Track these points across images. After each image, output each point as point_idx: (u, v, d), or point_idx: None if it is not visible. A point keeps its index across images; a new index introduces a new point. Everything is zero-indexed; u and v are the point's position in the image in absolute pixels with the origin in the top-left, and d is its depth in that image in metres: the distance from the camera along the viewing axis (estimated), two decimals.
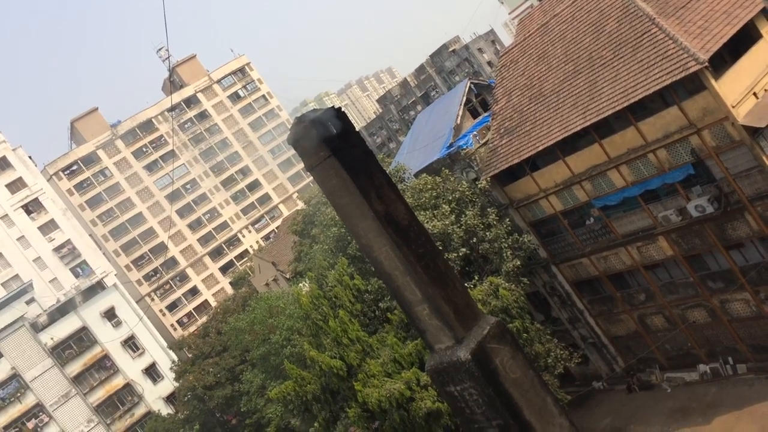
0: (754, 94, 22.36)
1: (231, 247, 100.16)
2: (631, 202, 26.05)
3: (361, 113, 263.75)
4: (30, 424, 58.53)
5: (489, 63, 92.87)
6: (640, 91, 22.79)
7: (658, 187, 25.04)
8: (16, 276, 72.29)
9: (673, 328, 27.92)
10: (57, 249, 76.21)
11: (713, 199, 23.67)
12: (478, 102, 38.68)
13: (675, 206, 24.98)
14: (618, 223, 27.08)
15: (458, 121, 35.84)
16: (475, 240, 28.40)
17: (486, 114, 35.67)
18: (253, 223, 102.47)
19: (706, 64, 21.09)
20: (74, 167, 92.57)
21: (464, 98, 37.69)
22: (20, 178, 76.85)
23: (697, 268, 26.11)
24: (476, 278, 27.85)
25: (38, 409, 59.23)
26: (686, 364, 28.50)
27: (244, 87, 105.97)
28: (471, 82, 39.67)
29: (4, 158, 76.82)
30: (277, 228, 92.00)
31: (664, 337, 28.39)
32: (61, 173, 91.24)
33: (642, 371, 30.05)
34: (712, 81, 21.63)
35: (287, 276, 52.13)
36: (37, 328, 60.98)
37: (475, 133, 33.02)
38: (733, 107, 21.73)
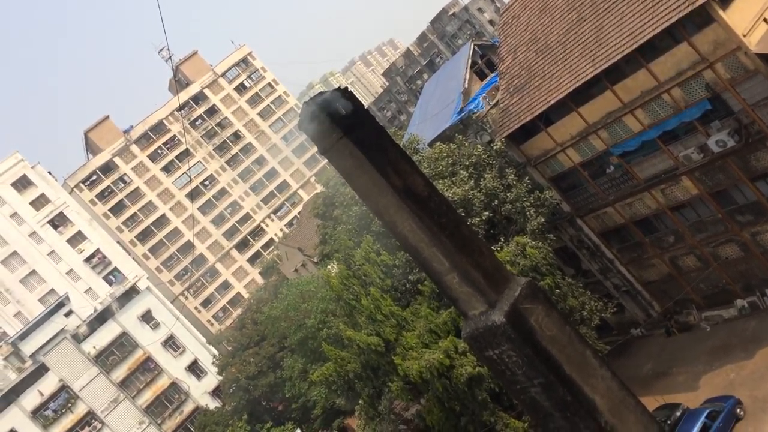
0: (765, 20, 21.80)
1: (256, 238, 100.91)
2: (650, 145, 25.70)
3: (368, 89, 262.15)
4: None
5: (491, 22, 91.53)
6: (647, 31, 22.34)
7: (676, 127, 24.66)
8: (52, 290, 73.73)
9: (706, 267, 27.68)
10: (88, 259, 77.50)
11: (733, 132, 23.26)
12: (484, 63, 38.25)
13: (695, 144, 24.61)
14: (639, 168, 26.76)
15: (466, 85, 35.52)
16: (496, 202, 28.29)
17: (493, 74, 35.26)
18: (274, 212, 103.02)
19: None
20: (94, 177, 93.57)
21: (469, 61, 37.29)
22: (43, 195, 77.98)
23: (724, 203, 25.77)
24: (502, 240, 27.79)
25: (90, 417, 60.73)
26: (723, 300, 28.28)
27: (249, 77, 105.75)
28: (474, 44, 39.22)
29: (24, 177, 77.90)
30: (298, 213, 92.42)
31: (698, 277, 28.17)
32: (81, 185, 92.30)
33: (679, 313, 29.90)
34: (720, 12, 21.11)
35: (315, 260, 52.47)
36: (78, 338, 62.27)
37: (484, 95, 32.71)
38: (744, 36, 21.22)
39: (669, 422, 23.78)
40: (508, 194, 28.25)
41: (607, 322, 31.20)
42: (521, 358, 7.98)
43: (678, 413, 24.18)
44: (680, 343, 29.18)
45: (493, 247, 26.23)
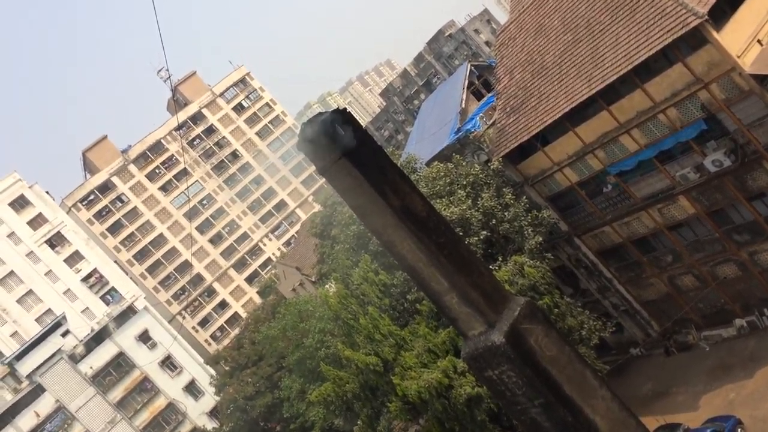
0: (758, 41, 22.08)
1: (254, 257, 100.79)
2: (647, 164, 25.86)
3: (366, 109, 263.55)
4: None
5: (487, 43, 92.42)
6: (642, 53, 22.60)
7: (673, 147, 24.84)
8: (49, 310, 73.43)
9: (704, 287, 27.71)
10: (85, 279, 77.26)
11: (729, 152, 23.43)
12: (481, 83, 38.55)
13: (692, 164, 24.76)
14: (636, 188, 26.89)
15: (463, 105, 35.76)
16: (494, 221, 28.36)
17: (490, 94, 35.53)
18: (272, 231, 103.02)
19: (706, 17, 20.86)
20: (91, 197, 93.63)
21: (466, 81, 37.59)
22: (40, 214, 77.98)
23: (721, 222, 25.88)
24: (500, 259, 27.82)
25: None
26: (722, 320, 28.27)
27: (247, 97, 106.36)
28: (471, 65, 39.56)
29: (22, 197, 77.95)
30: (296, 233, 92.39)
31: (696, 296, 28.19)
32: (79, 204, 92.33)
33: (678, 333, 29.87)
34: (714, 33, 21.39)
35: (312, 279, 52.38)
36: (75, 359, 61.92)
37: (481, 115, 32.93)
38: (738, 57, 21.48)
39: None
40: (506, 213, 28.32)
41: (606, 341, 31.15)
42: (521, 378, 7.96)
43: None
44: (679, 362, 29.10)
45: (491, 267, 26.25)
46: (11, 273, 74.36)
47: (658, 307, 30.05)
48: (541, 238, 27.90)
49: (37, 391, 59.98)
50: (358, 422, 27.58)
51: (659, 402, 27.54)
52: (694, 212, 25.99)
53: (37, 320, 72.64)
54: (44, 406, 59.41)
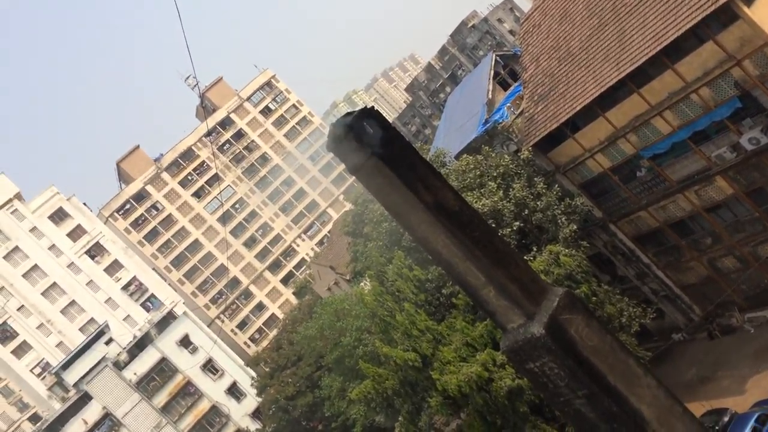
0: None
1: (288, 258, 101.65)
2: (681, 146, 25.35)
3: (392, 105, 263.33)
4: None
5: (511, 32, 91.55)
6: (671, 33, 22.14)
7: (707, 127, 24.30)
8: (92, 320, 75.19)
9: (746, 267, 27.09)
10: (125, 287, 78.92)
11: (766, 129, 22.85)
12: (507, 73, 38.20)
13: (727, 143, 24.21)
14: (671, 170, 26.40)
15: (490, 96, 35.49)
16: (526, 212, 28.11)
17: (516, 84, 35.21)
18: (305, 231, 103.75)
19: None
20: (127, 206, 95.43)
21: (492, 72, 37.28)
22: (79, 226, 79.83)
23: (760, 201, 25.26)
24: (535, 249, 27.58)
25: None
26: (766, 301, 27.61)
27: (274, 99, 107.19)
28: (496, 55, 39.22)
29: (60, 209, 79.87)
30: (329, 232, 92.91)
31: (738, 278, 27.58)
32: (116, 214, 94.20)
33: (721, 316, 29.26)
34: (745, 9, 20.84)
35: (347, 278, 52.61)
36: (119, 366, 63.27)
37: (508, 104, 32.66)
38: None
39: (717, 428, 23.23)
40: (538, 203, 28.06)
41: (647, 328, 30.64)
42: (563, 369, 7.89)
43: (726, 418, 23.59)
44: (724, 346, 28.52)
45: (526, 257, 26.05)
46: (54, 284, 76.28)
47: (699, 290, 29.47)
48: (575, 226, 27.57)
49: (85, 399, 61.49)
50: (399, 418, 27.64)
51: (704, 387, 27.05)
52: (732, 192, 25.41)
53: (80, 330, 74.47)
54: (92, 413, 60.87)
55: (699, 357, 29.23)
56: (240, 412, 65.88)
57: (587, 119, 27.00)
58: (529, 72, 30.48)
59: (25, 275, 75.71)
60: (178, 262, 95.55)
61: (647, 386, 8.25)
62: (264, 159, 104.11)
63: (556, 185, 28.80)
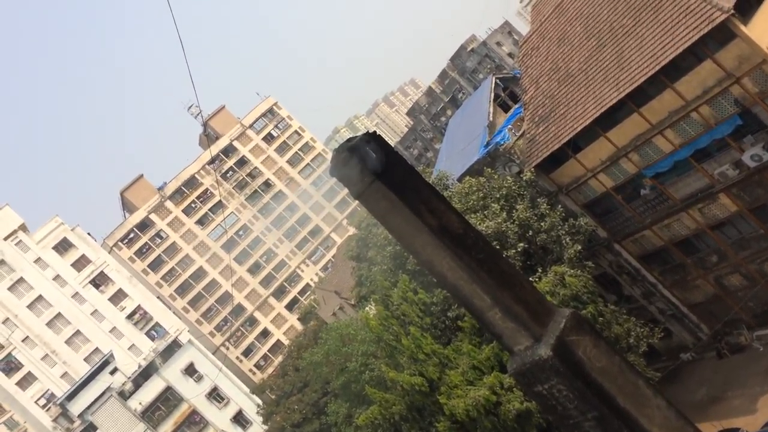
0: None
1: (292, 284, 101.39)
2: (683, 164, 25.40)
3: (393, 129, 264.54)
4: None
5: (510, 55, 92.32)
6: (669, 53, 22.32)
7: (708, 145, 24.37)
8: (97, 349, 74.82)
9: (753, 285, 26.94)
10: (129, 316, 78.69)
11: (767, 145, 22.91)
12: (507, 95, 38.46)
13: (729, 160, 24.25)
14: (674, 189, 26.41)
15: (491, 118, 35.70)
16: (531, 233, 28.08)
17: (517, 106, 35.42)
18: (309, 257, 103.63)
19: (732, 11, 20.53)
20: (131, 235, 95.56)
21: (492, 94, 37.55)
22: (83, 256, 79.89)
23: (765, 218, 25.22)
24: (540, 270, 27.49)
25: None
26: None
27: (276, 126, 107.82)
28: (496, 77, 39.53)
29: (65, 239, 80.00)
30: (333, 257, 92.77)
31: (745, 296, 27.42)
32: (120, 243, 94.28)
33: (729, 334, 29.03)
34: (742, 27, 21.03)
35: (352, 302, 52.43)
36: (124, 395, 62.86)
37: (509, 126, 32.82)
38: None
39: None
40: (542, 224, 28.04)
41: (654, 348, 30.40)
42: (572, 391, 7.84)
43: None
44: (733, 365, 28.25)
45: (531, 278, 25.96)
46: (59, 315, 76.11)
47: (706, 309, 29.29)
48: (579, 247, 27.51)
49: (89, 429, 61.00)
50: None
51: (715, 407, 26.73)
52: (736, 209, 25.39)
53: (85, 360, 74.08)
54: None
55: (708, 376, 28.94)
56: None
57: (588, 139, 27.10)
58: (529, 94, 30.68)
59: (29, 306, 75.61)
60: (182, 290, 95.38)
61: (657, 407, 8.18)
62: (267, 185, 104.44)
63: (560, 206, 28.81)
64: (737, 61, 21.72)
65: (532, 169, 29.00)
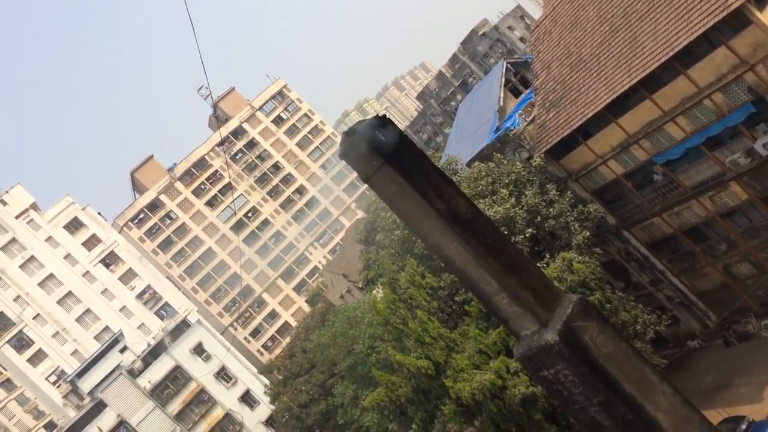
0: None
1: (301, 267, 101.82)
2: (695, 152, 25.22)
3: (403, 113, 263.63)
4: None
5: (521, 39, 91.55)
6: (682, 39, 22.08)
7: (721, 132, 24.17)
8: (107, 328, 75.70)
9: (762, 274, 26.84)
10: (139, 296, 79.43)
11: None
12: (518, 80, 38.21)
13: (742, 148, 24.06)
14: (684, 176, 26.26)
15: (501, 103, 35.50)
16: (539, 219, 28.04)
17: (528, 91, 35.20)
18: (317, 239, 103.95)
19: None
20: (141, 215, 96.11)
21: (503, 79, 37.29)
22: (94, 235, 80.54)
23: None
24: (547, 256, 27.48)
25: None
26: None
27: (285, 109, 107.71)
28: (507, 62, 39.25)
29: (75, 219, 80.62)
30: (341, 240, 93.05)
31: (754, 284, 27.33)
32: (130, 223, 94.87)
33: (737, 322, 28.98)
34: (757, 13, 20.75)
35: (359, 285, 52.68)
36: (134, 374, 63.58)
37: (520, 112, 32.64)
38: None
39: None
40: (551, 210, 27.98)
41: (661, 335, 30.41)
42: (578, 376, 7.88)
43: (743, 426, 23.32)
44: (741, 353, 28.23)
45: (538, 264, 25.97)
46: (69, 293, 76.92)
47: (714, 297, 29.23)
48: (588, 233, 27.45)
49: (99, 406, 61.80)
50: (413, 426, 27.56)
51: (721, 395, 26.76)
52: (747, 198, 25.23)
53: (95, 338, 74.99)
54: (107, 421, 61.16)
55: (715, 364, 28.94)
56: (253, 419, 65.93)
57: (599, 126, 26.93)
58: (540, 79, 30.47)
59: (41, 284, 76.42)
60: (191, 271, 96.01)
61: (663, 394, 8.22)
62: (276, 168, 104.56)
63: (569, 192, 28.71)
64: (752, 48, 21.46)
65: (542, 155, 28.88)
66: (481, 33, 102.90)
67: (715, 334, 29.68)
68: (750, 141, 23.62)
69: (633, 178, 27.82)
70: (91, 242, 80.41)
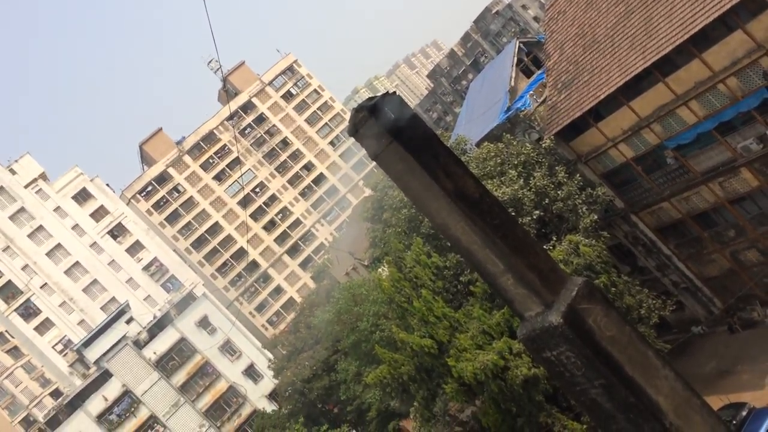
0: None
1: (307, 243, 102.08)
2: (706, 137, 24.99)
3: (413, 91, 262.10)
4: None
5: (535, 18, 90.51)
6: (698, 21, 21.75)
7: (733, 118, 23.91)
8: (113, 299, 76.35)
9: None
10: (146, 268, 79.94)
11: None
12: (530, 60, 37.81)
13: (754, 134, 23.81)
14: (695, 161, 26.05)
15: (512, 83, 35.19)
16: (547, 201, 27.94)
17: (540, 71, 34.85)
18: (324, 216, 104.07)
19: None
20: (149, 188, 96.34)
21: (515, 59, 36.92)
22: (102, 206, 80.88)
23: None
24: (554, 239, 27.43)
25: (152, 420, 62.57)
26: None
27: (295, 84, 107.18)
28: (519, 42, 38.82)
29: (84, 190, 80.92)
30: (348, 217, 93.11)
31: (761, 272, 27.22)
32: (138, 195, 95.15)
33: (742, 309, 28.94)
34: None
35: (365, 263, 52.78)
36: (139, 345, 64.24)
37: (531, 92, 32.36)
38: None
39: (735, 422, 23.04)
40: (559, 192, 27.86)
41: (666, 320, 30.41)
42: (580, 359, 7.88)
43: (744, 413, 23.40)
44: (744, 340, 28.23)
45: (545, 246, 25.92)
46: (77, 264, 77.48)
47: (720, 283, 29.15)
48: (596, 216, 27.36)
49: (105, 376, 62.58)
50: (414, 404, 27.79)
51: (723, 381, 26.82)
52: (757, 185, 25.03)
53: (102, 308, 75.67)
54: (112, 390, 61.98)
55: (719, 350, 28.97)
56: (257, 393, 66.64)
57: (611, 108, 26.69)
58: (552, 59, 30.15)
59: (48, 254, 76.98)
60: (198, 244, 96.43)
61: (665, 378, 8.22)
62: (285, 143, 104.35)
63: (578, 174, 28.56)
64: None
65: (552, 137, 28.69)
66: (494, 11, 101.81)
67: (720, 320, 29.66)
68: (763, 127, 23.37)
69: (643, 162, 27.63)
70: (99, 213, 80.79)
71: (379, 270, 40.96)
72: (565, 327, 7.92)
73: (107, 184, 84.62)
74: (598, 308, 8.27)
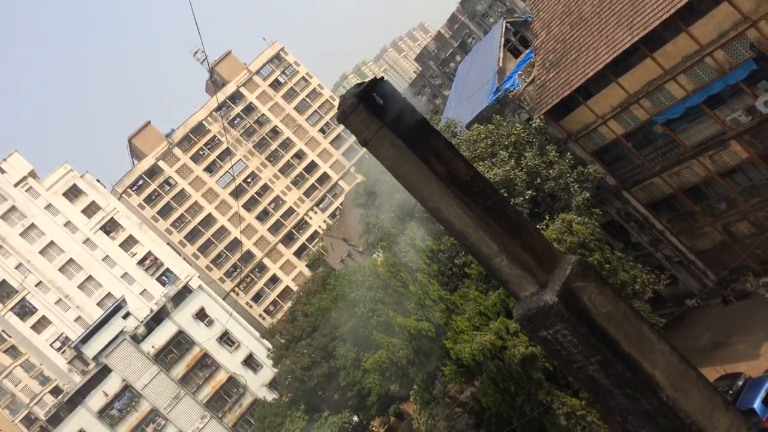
0: None
1: (301, 231, 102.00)
2: (695, 111, 25.03)
3: (401, 75, 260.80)
4: (149, 429, 62.16)
5: None
6: None
7: (722, 90, 23.94)
8: (109, 294, 76.16)
9: (760, 232, 26.91)
10: (140, 262, 79.70)
11: None
12: (518, 40, 37.70)
13: (742, 106, 23.87)
14: (685, 135, 26.11)
15: (500, 64, 35.09)
16: (539, 180, 27.98)
17: (528, 51, 34.76)
18: (317, 204, 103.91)
19: None
20: (140, 182, 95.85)
21: (502, 39, 36.79)
22: (93, 202, 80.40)
23: None
24: (547, 218, 27.52)
25: (153, 414, 62.74)
26: None
27: (283, 72, 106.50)
28: (506, 22, 38.67)
29: (74, 186, 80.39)
30: (341, 204, 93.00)
31: (753, 243, 27.41)
32: (129, 190, 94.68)
33: (736, 281, 29.17)
34: None
35: (360, 249, 52.82)
36: (137, 339, 64.22)
37: (519, 72, 32.29)
38: None
39: (731, 392, 23.32)
40: (551, 171, 27.90)
41: (660, 294, 30.64)
42: (576, 336, 7.94)
43: (740, 383, 23.69)
44: (738, 311, 28.48)
45: (538, 226, 26.00)
46: (71, 260, 77.16)
47: (713, 256, 29.35)
48: (588, 194, 27.43)
49: (104, 372, 62.60)
50: (414, 387, 27.97)
51: (719, 352, 27.09)
52: (747, 157, 25.13)
53: (98, 304, 75.50)
54: (112, 385, 62.06)
55: (713, 322, 29.22)
56: (257, 382, 66.87)
57: (600, 85, 26.68)
58: (540, 38, 30.06)
59: (42, 252, 76.61)
60: (191, 237, 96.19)
61: (661, 352, 8.29)
62: (275, 132, 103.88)
63: (569, 153, 28.59)
64: (755, 4, 21.12)
65: (542, 116, 28.68)
66: None
67: (714, 292, 29.90)
68: (751, 99, 23.42)
69: (633, 138, 27.68)
70: (91, 209, 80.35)
71: (374, 255, 41.02)
72: (560, 306, 7.97)
73: (98, 180, 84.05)
74: (593, 286, 8.32)
